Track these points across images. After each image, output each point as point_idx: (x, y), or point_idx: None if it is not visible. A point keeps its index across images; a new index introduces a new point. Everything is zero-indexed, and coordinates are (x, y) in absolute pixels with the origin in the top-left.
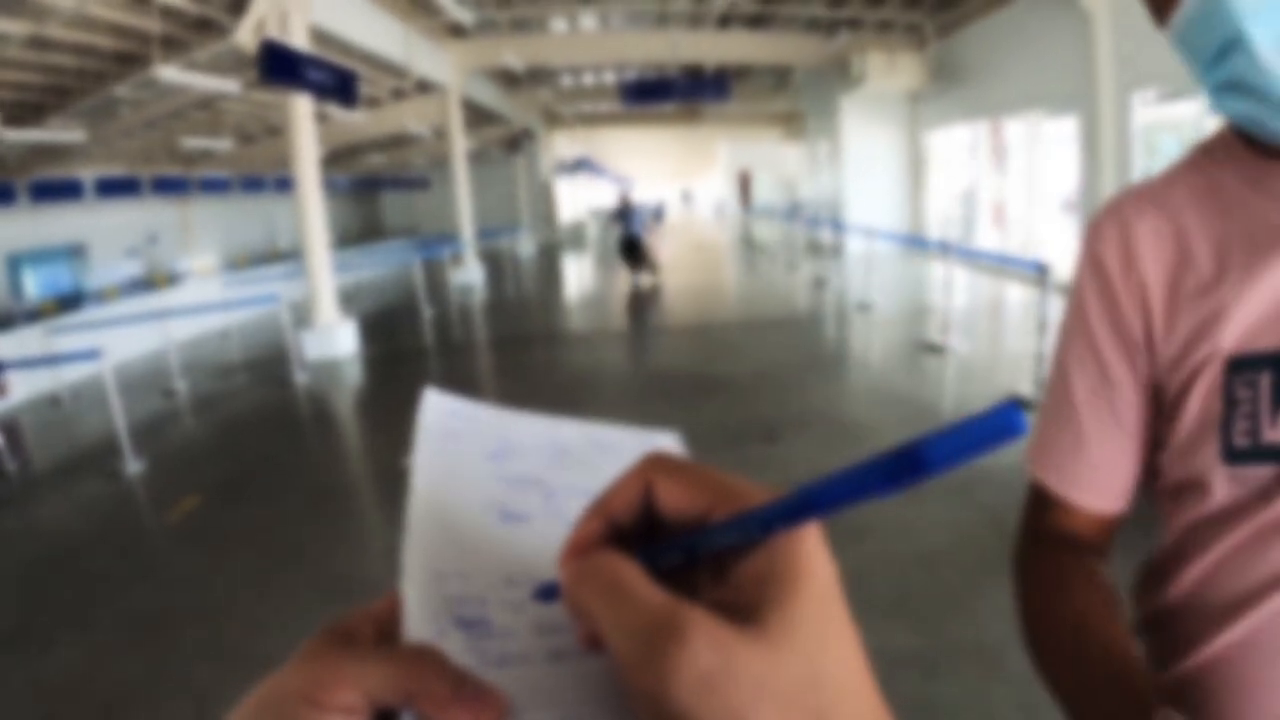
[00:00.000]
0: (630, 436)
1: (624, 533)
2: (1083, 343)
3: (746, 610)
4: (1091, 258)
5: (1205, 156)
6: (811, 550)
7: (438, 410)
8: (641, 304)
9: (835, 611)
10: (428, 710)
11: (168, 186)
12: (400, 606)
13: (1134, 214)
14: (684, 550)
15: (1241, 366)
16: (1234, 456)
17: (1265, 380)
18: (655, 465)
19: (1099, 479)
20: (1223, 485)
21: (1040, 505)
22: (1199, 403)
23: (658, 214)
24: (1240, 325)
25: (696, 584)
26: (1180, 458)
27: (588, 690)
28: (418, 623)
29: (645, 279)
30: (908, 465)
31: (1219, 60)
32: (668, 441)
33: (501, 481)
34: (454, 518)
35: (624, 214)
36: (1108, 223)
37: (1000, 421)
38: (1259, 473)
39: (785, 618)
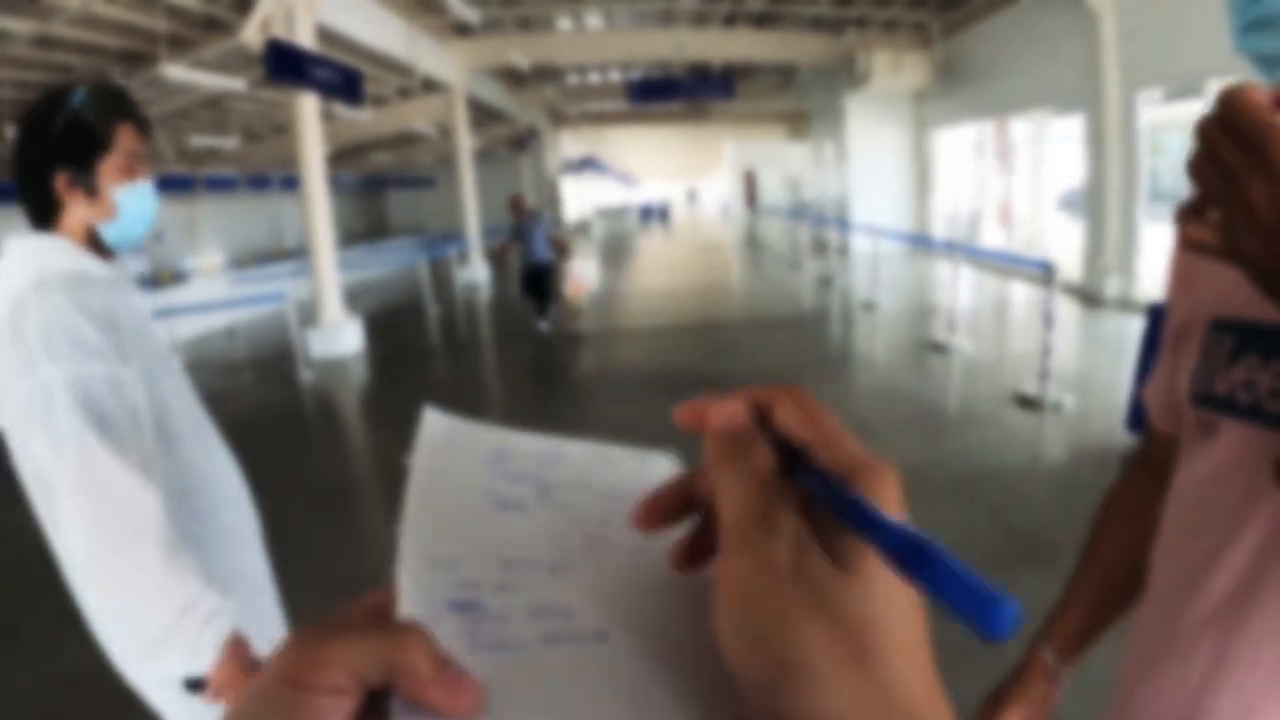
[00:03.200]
0: (627, 454)
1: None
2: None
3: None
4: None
5: None
6: (887, 480)
7: (436, 426)
8: (551, 358)
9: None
10: (408, 688)
11: (174, 185)
12: (394, 598)
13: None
14: (819, 487)
15: (1219, 326)
16: (1195, 399)
17: (1228, 342)
18: (786, 389)
19: (1155, 391)
20: (1188, 428)
21: (1145, 430)
22: (1190, 348)
23: (584, 226)
24: (1224, 289)
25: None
26: (1176, 395)
27: (582, 674)
28: (411, 607)
29: (564, 315)
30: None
31: None
32: (665, 464)
33: (497, 477)
34: (449, 507)
35: (520, 230)
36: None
37: (991, 612)
38: (1202, 417)
39: (868, 563)
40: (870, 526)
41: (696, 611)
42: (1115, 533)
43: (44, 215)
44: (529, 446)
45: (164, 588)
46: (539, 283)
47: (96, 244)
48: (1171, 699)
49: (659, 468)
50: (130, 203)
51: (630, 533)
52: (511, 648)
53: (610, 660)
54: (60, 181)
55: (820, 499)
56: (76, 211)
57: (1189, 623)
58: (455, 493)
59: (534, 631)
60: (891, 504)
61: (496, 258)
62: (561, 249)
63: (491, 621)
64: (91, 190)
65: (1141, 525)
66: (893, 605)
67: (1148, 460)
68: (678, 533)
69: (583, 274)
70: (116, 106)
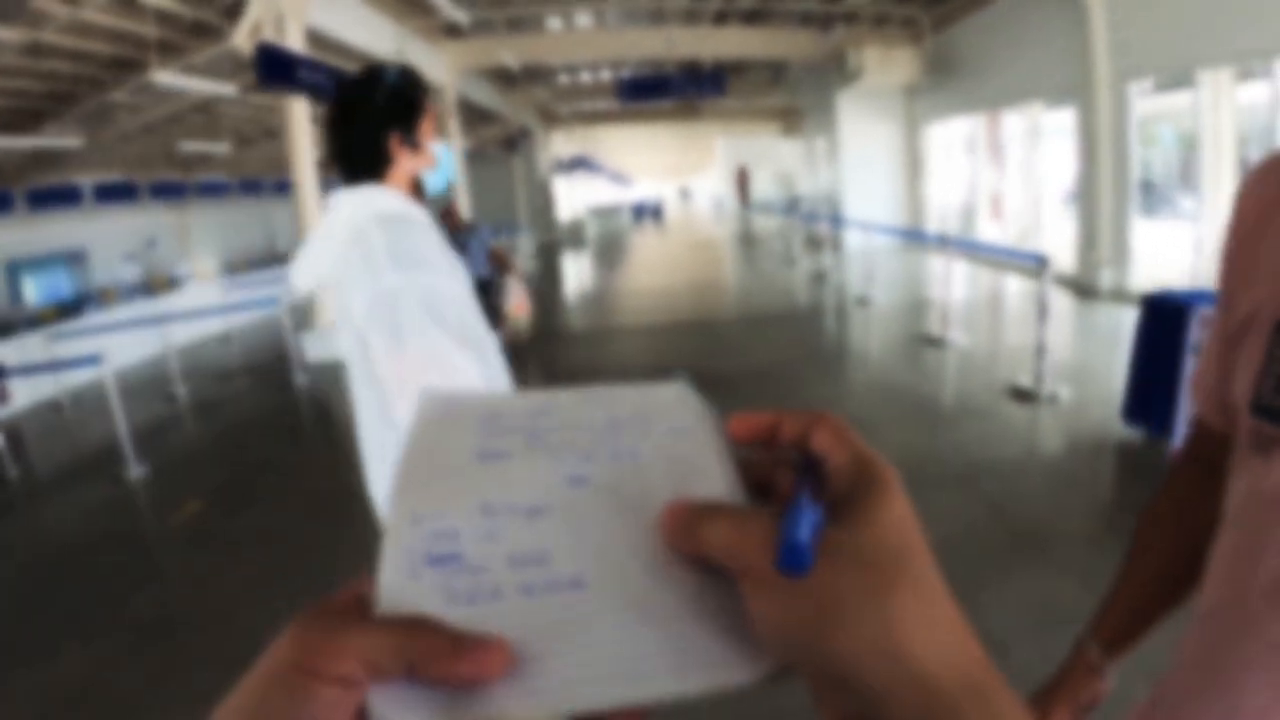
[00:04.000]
0: (627, 390)
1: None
2: (1220, 272)
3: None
4: (1234, 202)
5: None
6: (892, 470)
7: (431, 405)
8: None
9: (914, 528)
10: (432, 672)
11: (166, 191)
12: (372, 584)
13: (1254, 177)
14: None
15: None
16: (1258, 410)
17: None
18: (824, 419)
19: (1204, 384)
20: (1244, 435)
21: (1192, 423)
22: (1252, 348)
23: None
24: None
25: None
26: (1231, 396)
27: (558, 626)
28: (391, 565)
29: (506, 334)
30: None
31: None
32: (674, 390)
33: (487, 435)
34: (433, 469)
35: (455, 244)
36: (1250, 173)
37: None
38: (1267, 429)
39: (873, 523)
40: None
41: (670, 554)
42: (1164, 528)
43: (374, 169)
44: (522, 403)
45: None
46: (480, 301)
47: (416, 191)
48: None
49: (666, 394)
50: (442, 153)
51: (614, 463)
52: (489, 599)
53: (586, 610)
54: (393, 140)
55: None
56: (405, 164)
57: (1243, 653)
58: (441, 457)
59: (512, 581)
60: (897, 481)
61: None
62: (502, 263)
63: (469, 573)
64: (415, 146)
65: (1191, 521)
66: (898, 543)
67: (1196, 453)
68: (654, 470)
69: (517, 293)
70: (418, 79)
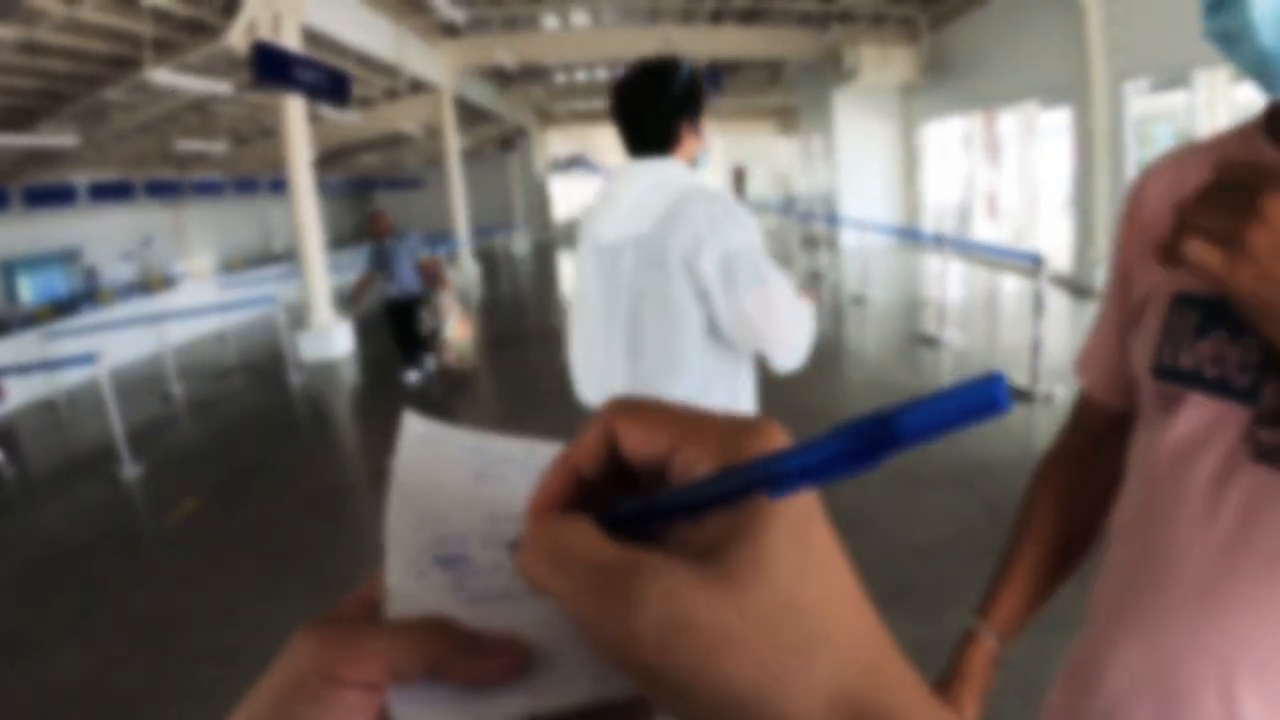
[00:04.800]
0: None
1: (594, 489)
2: (1111, 262)
3: (711, 549)
4: (1127, 199)
5: (1238, 130)
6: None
7: (415, 428)
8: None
9: (816, 537)
10: (454, 673)
11: (161, 189)
12: (380, 589)
13: (1157, 171)
14: (650, 509)
15: (1182, 301)
16: (1157, 372)
17: (1193, 316)
18: (615, 406)
19: (1095, 362)
20: (1148, 398)
21: (1076, 401)
22: (1149, 322)
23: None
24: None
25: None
26: (1130, 367)
27: (568, 627)
28: (397, 567)
29: (450, 361)
30: (879, 438)
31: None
32: None
33: (474, 457)
34: (433, 478)
35: (381, 255)
36: (1143, 175)
37: (982, 395)
38: (1167, 390)
39: (753, 550)
40: (699, 495)
41: None
42: (1049, 504)
43: (665, 147)
44: (505, 445)
45: (807, 330)
46: (408, 321)
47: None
48: (1145, 671)
49: None
50: (710, 140)
51: None
52: (499, 598)
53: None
54: (683, 124)
55: (667, 517)
56: (689, 146)
57: (1163, 600)
58: (438, 466)
59: (519, 582)
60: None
61: (355, 299)
62: (434, 277)
63: (478, 573)
64: (698, 132)
65: (1077, 496)
66: (810, 580)
67: (1080, 429)
68: None
69: (452, 309)
70: (701, 78)
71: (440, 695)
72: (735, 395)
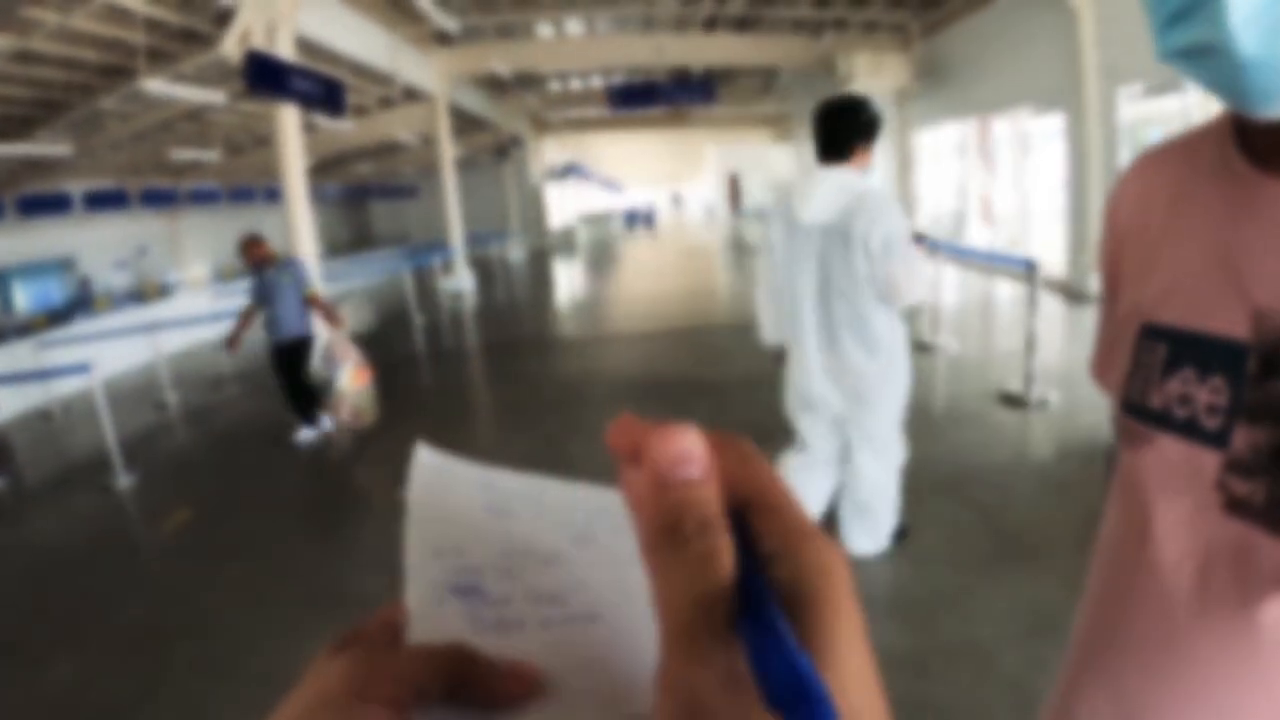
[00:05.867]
0: (604, 491)
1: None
2: (1101, 269)
3: None
4: (1107, 206)
5: (1209, 131)
6: (839, 580)
7: (427, 461)
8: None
9: (856, 650)
10: (473, 695)
11: (156, 198)
12: (404, 611)
13: (1129, 176)
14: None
15: (1150, 333)
16: (1127, 408)
17: (1161, 350)
18: (732, 440)
19: (1105, 356)
20: (1120, 427)
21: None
22: (1122, 348)
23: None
24: (1154, 293)
25: None
26: (1109, 388)
27: (578, 651)
28: (416, 594)
29: (342, 417)
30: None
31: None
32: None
33: (484, 491)
34: (447, 510)
35: (261, 289)
36: (1119, 182)
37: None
38: (1137, 429)
39: (815, 638)
40: (767, 645)
41: None
42: None
43: (844, 158)
44: (514, 481)
45: (920, 284)
46: (296, 369)
47: None
48: (1109, 713)
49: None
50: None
51: (616, 535)
52: (513, 628)
53: (603, 639)
54: (859, 145)
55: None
56: (860, 160)
57: (1124, 641)
58: (452, 498)
59: (533, 614)
60: (838, 590)
61: (231, 343)
62: (324, 314)
63: (493, 604)
64: (869, 151)
65: None
66: (848, 697)
67: None
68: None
69: (344, 351)
70: (880, 113)
71: (459, 717)
72: (892, 323)
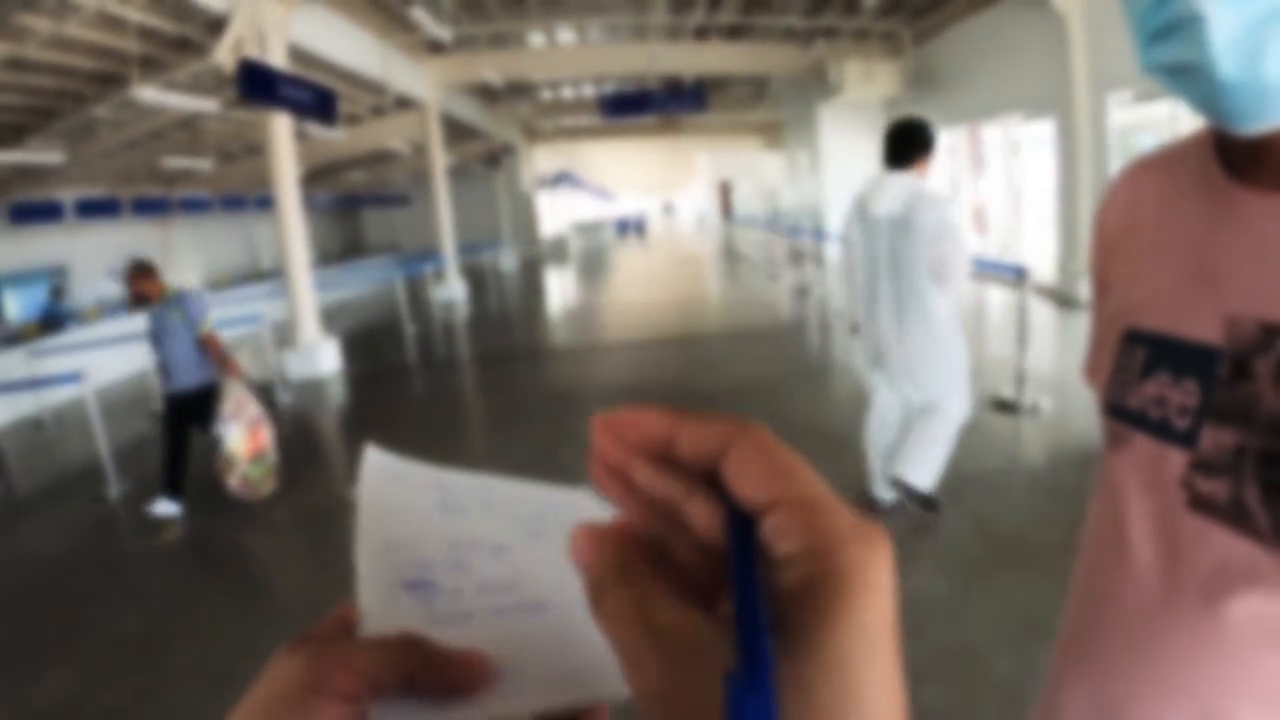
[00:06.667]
0: (555, 490)
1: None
2: (1092, 277)
3: (783, 622)
4: (1096, 216)
5: (1192, 144)
6: (873, 565)
7: (377, 461)
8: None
9: (880, 660)
10: (427, 684)
11: (148, 207)
12: (358, 610)
13: (1118, 185)
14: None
15: (1132, 338)
16: (1108, 409)
17: (1140, 354)
18: (744, 430)
19: (1095, 360)
20: (1103, 428)
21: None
22: (1109, 351)
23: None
24: (1137, 299)
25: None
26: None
27: (527, 639)
28: (369, 591)
29: (235, 485)
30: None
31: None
32: (586, 500)
33: (436, 490)
34: (398, 507)
35: (153, 328)
36: (1108, 192)
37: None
38: (1117, 429)
39: (823, 653)
40: (748, 631)
41: None
42: None
43: (907, 166)
44: (463, 480)
45: (966, 272)
46: (185, 425)
47: None
48: (1091, 715)
49: (582, 503)
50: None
51: (564, 530)
52: (465, 619)
53: (551, 626)
54: (919, 157)
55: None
56: (919, 168)
57: (1102, 637)
58: (402, 498)
59: (484, 604)
60: (879, 580)
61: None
62: (219, 359)
63: (445, 597)
64: (926, 162)
65: None
66: (863, 704)
67: None
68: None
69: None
70: (935, 134)
71: (414, 705)
72: (942, 300)
